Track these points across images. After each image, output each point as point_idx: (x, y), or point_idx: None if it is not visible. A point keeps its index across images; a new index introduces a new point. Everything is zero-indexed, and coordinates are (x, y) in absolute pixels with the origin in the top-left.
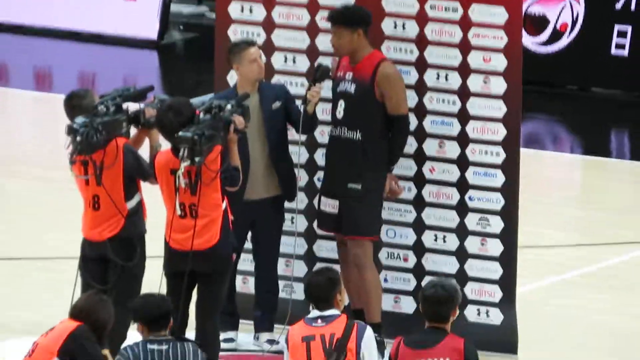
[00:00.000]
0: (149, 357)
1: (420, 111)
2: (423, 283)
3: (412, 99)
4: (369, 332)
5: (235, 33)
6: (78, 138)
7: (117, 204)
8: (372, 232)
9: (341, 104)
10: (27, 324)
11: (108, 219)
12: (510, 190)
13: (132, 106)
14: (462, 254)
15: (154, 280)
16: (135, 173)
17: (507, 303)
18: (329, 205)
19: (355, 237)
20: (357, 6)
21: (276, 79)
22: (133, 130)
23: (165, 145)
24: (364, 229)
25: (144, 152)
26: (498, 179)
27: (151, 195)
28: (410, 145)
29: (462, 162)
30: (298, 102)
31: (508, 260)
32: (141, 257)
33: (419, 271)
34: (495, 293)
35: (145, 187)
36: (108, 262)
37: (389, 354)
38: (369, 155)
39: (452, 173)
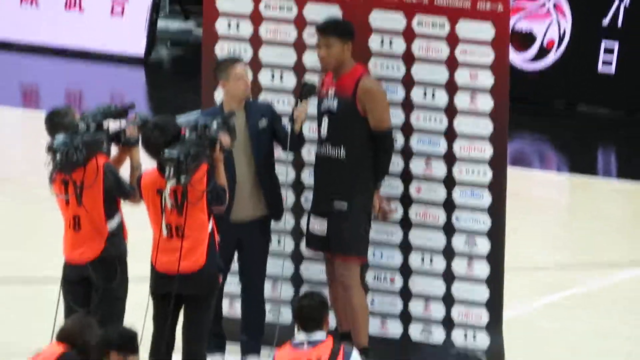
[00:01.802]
0: None
1: (407, 129)
2: (410, 306)
3: (398, 116)
4: (355, 356)
5: (222, 49)
6: (58, 156)
7: (97, 225)
8: (359, 250)
9: (325, 122)
10: (9, 347)
11: (89, 240)
12: (497, 211)
13: (113, 124)
14: (449, 276)
15: (140, 302)
16: (115, 193)
17: (494, 326)
18: (317, 225)
19: (343, 256)
20: (343, 19)
21: (263, 96)
22: (114, 148)
23: (145, 164)
24: (351, 246)
25: (125, 170)
26: (485, 199)
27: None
28: (397, 164)
29: (449, 182)
30: (285, 120)
31: (495, 282)
32: (123, 278)
33: (405, 293)
34: (482, 316)
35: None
36: (90, 284)
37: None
38: (355, 173)
39: (439, 193)
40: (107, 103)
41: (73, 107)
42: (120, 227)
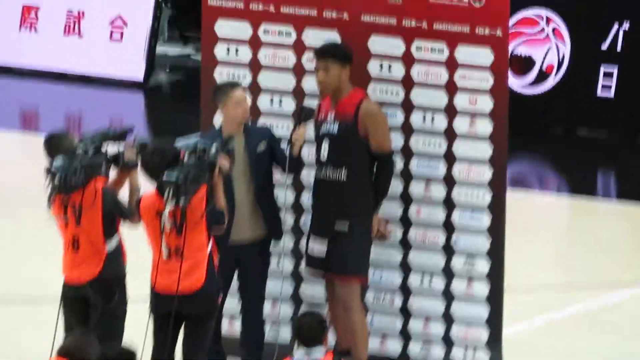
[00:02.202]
0: None
1: (407, 153)
2: (409, 324)
3: (398, 140)
4: None
5: (221, 74)
6: (56, 179)
7: (96, 245)
8: (360, 271)
9: (325, 146)
10: None
11: (87, 260)
12: (496, 232)
13: (111, 148)
14: (448, 296)
15: (140, 320)
16: (114, 214)
17: (494, 344)
18: (317, 247)
19: (343, 277)
20: (342, 44)
21: (262, 121)
22: (113, 171)
23: (144, 187)
24: (352, 267)
25: (124, 192)
26: (484, 220)
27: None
28: (397, 186)
29: (448, 204)
30: (284, 144)
31: (495, 300)
32: (122, 298)
33: (405, 313)
34: (481, 334)
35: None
36: (89, 303)
37: None
38: (356, 194)
39: (438, 215)
40: (105, 126)
41: (72, 131)
42: (119, 248)
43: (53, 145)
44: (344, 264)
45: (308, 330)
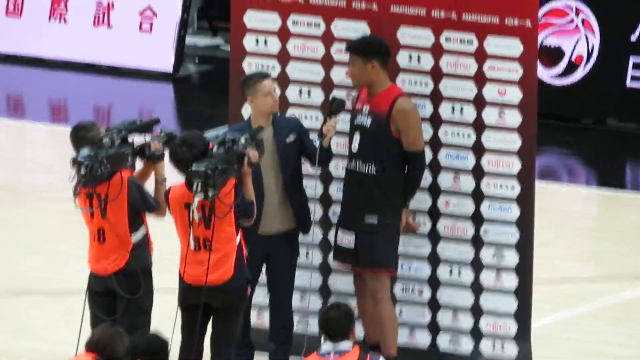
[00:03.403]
0: None
1: (435, 144)
2: (438, 316)
3: (426, 131)
4: None
5: (250, 65)
6: (82, 170)
7: (121, 237)
8: (390, 264)
9: (356, 138)
10: (36, 355)
11: (113, 252)
12: (525, 224)
13: (137, 139)
14: (477, 288)
15: (168, 313)
16: (139, 206)
17: (523, 337)
18: (346, 239)
19: (373, 270)
20: (373, 37)
21: (291, 112)
22: (139, 163)
23: (170, 178)
24: (381, 261)
25: (150, 184)
26: (513, 212)
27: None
28: (425, 178)
29: (477, 196)
30: (313, 136)
31: (523, 293)
32: (148, 290)
33: (434, 305)
34: (510, 327)
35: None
36: (115, 295)
37: None
38: (385, 189)
39: (467, 206)
40: (132, 118)
41: (99, 122)
42: (145, 240)
43: (79, 136)
44: (374, 257)
45: (335, 323)
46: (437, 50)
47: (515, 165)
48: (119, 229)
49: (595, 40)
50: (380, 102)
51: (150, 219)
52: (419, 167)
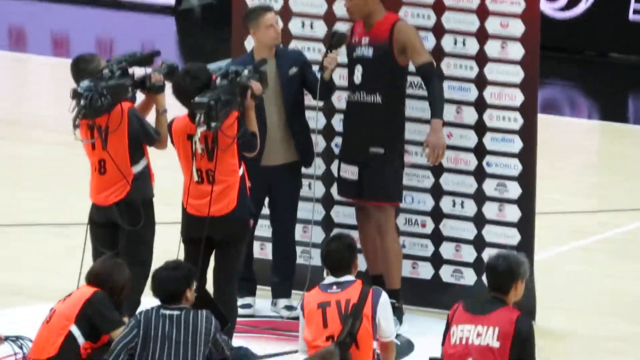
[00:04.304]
0: (161, 322)
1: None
2: (441, 249)
3: None
4: (384, 298)
5: None
6: (82, 102)
7: (122, 169)
8: (395, 196)
9: (358, 69)
10: (39, 289)
11: (114, 183)
12: (527, 156)
13: (138, 71)
14: (480, 220)
15: (170, 246)
16: (140, 137)
17: None
18: (349, 172)
19: (379, 202)
20: None
21: (293, 45)
22: (139, 95)
23: (171, 111)
24: (388, 193)
25: (152, 118)
26: (515, 144)
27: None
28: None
29: (480, 128)
30: (315, 68)
31: (526, 226)
32: (149, 221)
33: (436, 237)
34: None
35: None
36: (116, 227)
37: (447, 317)
38: (390, 118)
39: (470, 139)
40: (132, 50)
41: (100, 55)
42: (147, 171)
43: (80, 68)
44: (380, 190)
45: (335, 257)
46: None
47: (518, 97)
48: (119, 160)
49: None
50: (379, 31)
51: (152, 150)
52: (435, 78)
